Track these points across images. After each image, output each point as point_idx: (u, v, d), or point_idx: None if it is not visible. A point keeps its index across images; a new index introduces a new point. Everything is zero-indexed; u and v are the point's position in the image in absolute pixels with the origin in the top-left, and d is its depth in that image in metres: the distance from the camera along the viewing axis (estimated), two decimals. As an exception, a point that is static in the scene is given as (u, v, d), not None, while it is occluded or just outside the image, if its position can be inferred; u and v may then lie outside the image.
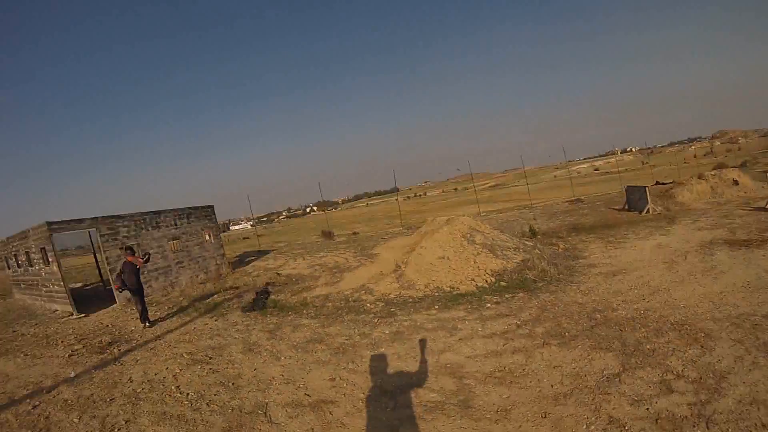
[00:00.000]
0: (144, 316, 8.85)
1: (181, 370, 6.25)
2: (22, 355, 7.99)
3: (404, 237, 14.21)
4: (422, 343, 5.81)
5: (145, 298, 9.11)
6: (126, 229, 12.81)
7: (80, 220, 11.86)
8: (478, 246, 8.96)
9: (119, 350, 7.59)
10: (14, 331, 10.33)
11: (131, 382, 6.03)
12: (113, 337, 8.54)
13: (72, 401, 5.54)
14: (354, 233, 25.95)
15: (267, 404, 4.72)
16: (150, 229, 13.53)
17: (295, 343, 6.59)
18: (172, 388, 5.64)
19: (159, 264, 13.30)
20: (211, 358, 6.64)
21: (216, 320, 8.84)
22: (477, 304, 7.09)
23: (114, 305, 11.95)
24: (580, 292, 7.47)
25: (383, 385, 4.82)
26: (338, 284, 9.57)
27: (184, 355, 6.97)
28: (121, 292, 9.14)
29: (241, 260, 17.94)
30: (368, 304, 7.76)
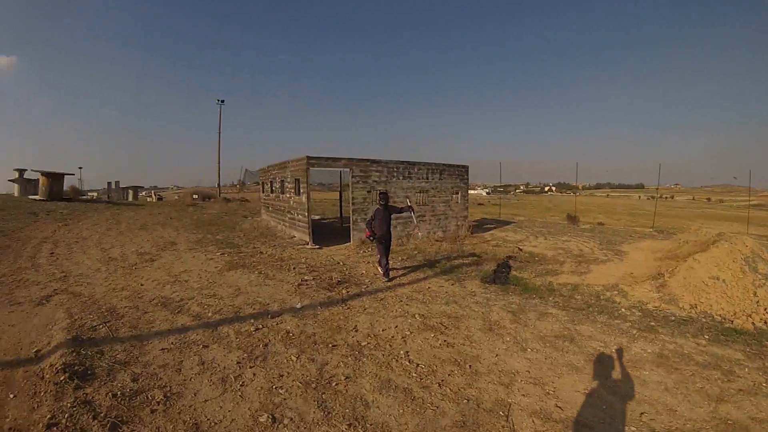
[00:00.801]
0: (386, 270, 8.70)
1: (411, 333, 5.78)
2: (256, 273, 8.81)
3: (655, 240, 14.35)
4: (691, 378, 4.90)
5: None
6: (378, 174, 13.73)
7: (336, 159, 12.95)
8: (760, 276, 7.99)
9: (347, 292, 7.58)
10: (254, 248, 11.88)
11: (356, 332, 5.73)
12: (343, 276, 8.69)
13: (293, 335, 5.47)
14: (600, 223, 25.55)
15: (510, 406, 4.12)
16: (401, 178, 14.34)
17: (542, 334, 6.00)
18: (401, 353, 5.13)
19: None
20: (446, 327, 6.08)
21: (452, 284, 8.60)
22: (757, 348, 5.84)
23: (347, 243, 12.75)
24: None
25: (651, 425, 3.89)
26: (586, 276, 9.38)
27: (416, 316, 6.47)
28: (372, 240, 8.98)
29: (479, 226, 17.81)
30: (623, 309, 7.24)
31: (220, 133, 37.54)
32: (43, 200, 21.88)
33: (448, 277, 9.14)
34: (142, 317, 6.10)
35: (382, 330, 5.80)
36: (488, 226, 18.13)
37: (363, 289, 7.79)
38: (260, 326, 5.68)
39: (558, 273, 9.70)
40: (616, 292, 8.07)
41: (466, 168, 16.67)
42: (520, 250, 12.53)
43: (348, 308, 6.64)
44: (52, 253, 11.02)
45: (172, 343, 5.15)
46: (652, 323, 6.57)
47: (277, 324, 5.81)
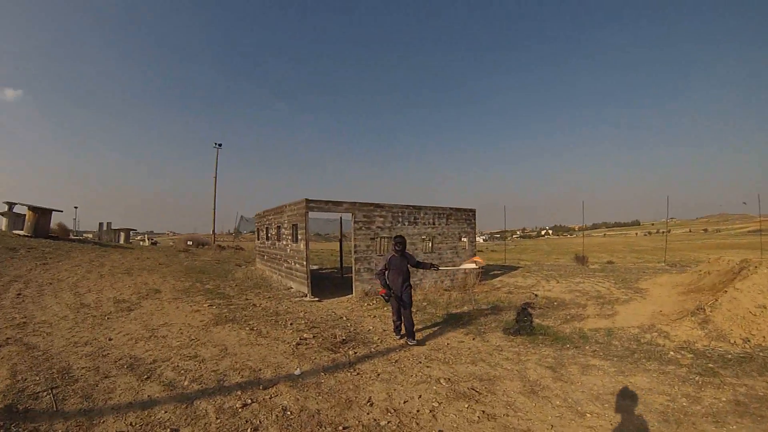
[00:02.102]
0: (410, 331, 7.01)
1: (440, 403, 4.58)
2: (248, 329, 7.56)
3: (671, 275, 13.77)
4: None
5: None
6: (382, 219, 12.64)
7: (337, 203, 11.91)
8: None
9: (354, 353, 6.31)
10: (247, 299, 10.60)
11: (371, 406, 4.48)
12: (347, 334, 7.42)
13: (292, 414, 4.21)
14: (609, 262, 25.02)
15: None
16: (406, 224, 13.28)
17: (594, 392, 4.98)
18: (432, 432, 3.86)
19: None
20: (479, 393, 4.91)
21: (473, 338, 7.45)
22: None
23: (349, 295, 11.55)
24: None
25: None
26: (614, 318, 8.66)
27: (442, 381, 5.24)
28: (387, 300, 7.09)
29: (486, 272, 16.67)
30: (671, 352, 6.45)
31: (216, 177, 36.71)
32: (27, 236, 20.55)
33: (466, 330, 7.96)
34: (101, 383, 4.85)
35: (404, 402, 4.56)
36: (495, 272, 17.08)
37: (372, 349, 6.53)
38: (249, 401, 4.41)
39: (583, 317, 8.79)
40: (656, 334, 7.33)
41: (473, 212, 15.73)
42: (535, 295, 11.61)
43: (358, 374, 5.37)
44: (20, 294, 9.84)
45: (131, 423, 3.87)
46: (710, 365, 5.79)
47: (270, 398, 4.53)
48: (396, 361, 5.96)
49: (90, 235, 40.61)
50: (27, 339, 6.56)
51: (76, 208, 62.53)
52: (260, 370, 5.39)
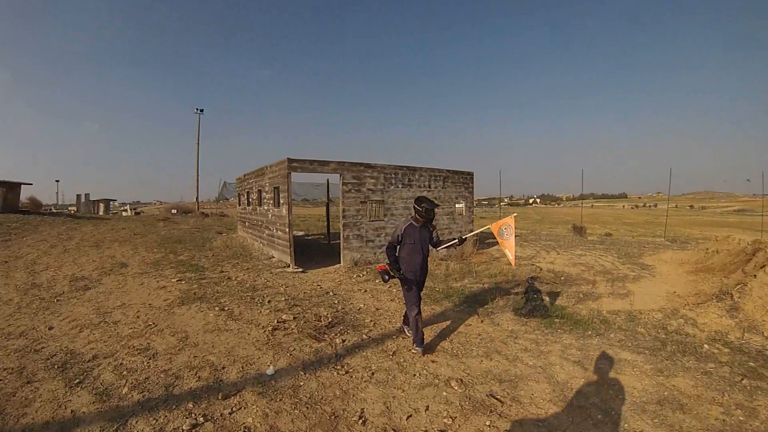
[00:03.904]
0: (418, 333, 4.92)
1: (453, 419, 3.47)
2: (217, 309, 6.41)
3: (674, 251, 13.29)
4: None
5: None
6: (373, 181, 11.37)
7: (324, 162, 10.58)
8: None
9: (342, 341, 5.16)
10: (222, 272, 9.44)
11: (363, 424, 3.40)
12: (335, 314, 6.29)
13: None
14: (607, 234, 24.23)
15: None
16: (400, 186, 12.03)
17: (637, 401, 3.96)
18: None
19: (393, 226, 11.60)
20: (501, 402, 3.80)
21: (481, 321, 6.30)
22: None
23: (337, 265, 10.46)
24: None
25: None
26: (629, 298, 7.78)
27: (452, 384, 4.12)
28: (386, 280, 4.93)
29: (480, 240, 15.41)
30: (705, 345, 5.59)
31: (198, 143, 34.87)
32: None
33: (471, 309, 6.87)
34: (20, 392, 3.77)
35: (407, 417, 3.47)
36: (490, 240, 15.99)
37: (365, 336, 5.38)
38: (201, 418, 3.29)
39: (597, 297, 7.82)
40: (681, 321, 6.53)
41: (471, 175, 14.60)
42: (540, 268, 10.61)
43: (346, 372, 4.25)
44: None
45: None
46: (751, 363, 4.94)
47: (230, 412, 3.42)
48: (394, 353, 4.83)
49: (74, 209, 38.99)
50: (-45, 329, 5.52)
51: (57, 181, 60.08)
52: (224, 368, 4.25)
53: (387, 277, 4.86)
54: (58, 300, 7.11)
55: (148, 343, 4.94)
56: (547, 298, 7.56)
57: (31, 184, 22.40)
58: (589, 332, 5.89)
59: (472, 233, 6.37)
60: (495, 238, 5.63)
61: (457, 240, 5.16)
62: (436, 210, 5.16)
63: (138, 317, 6.02)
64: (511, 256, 5.18)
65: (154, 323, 5.71)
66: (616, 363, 4.80)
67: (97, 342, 5.05)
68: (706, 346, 5.53)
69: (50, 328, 5.63)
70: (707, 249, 11.07)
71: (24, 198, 22.24)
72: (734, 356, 5.16)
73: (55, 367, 4.32)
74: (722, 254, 10.01)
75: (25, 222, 16.79)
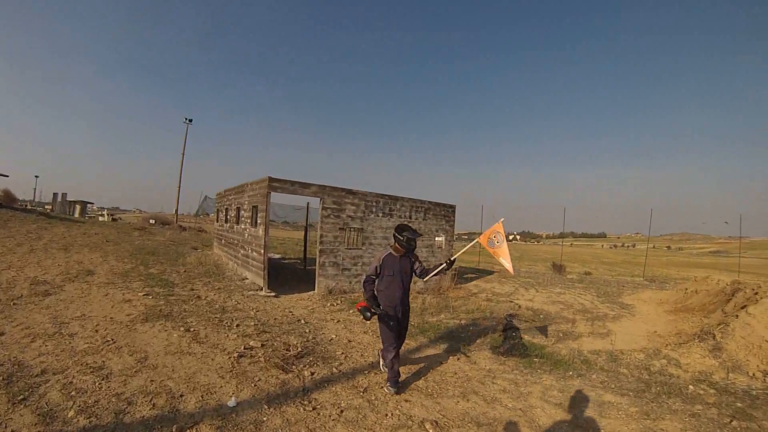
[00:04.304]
0: (393, 373, 4.68)
1: None
2: (182, 329, 6.10)
3: (653, 291, 13.57)
4: None
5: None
6: (354, 208, 11.22)
7: (306, 185, 10.41)
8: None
9: (311, 374, 4.91)
10: (192, 290, 9.09)
11: None
12: (304, 343, 6.03)
13: None
14: (587, 273, 24.27)
15: None
16: (380, 215, 11.90)
17: None
18: None
19: (371, 255, 11.44)
20: None
21: (458, 359, 6.13)
22: None
23: (311, 292, 10.16)
24: None
25: None
26: (610, 338, 7.82)
27: (427, 426, 3.92)
28: (367, 318, 4.42)
29: (459, 275, 15.33)
30: (690, 386, 5.58)
31: (183, 154, 34.37)
32: None
33: (447, 345, 6.68)
34: None
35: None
36: (469, 275, 15.95)
37: (335, 369, 5.14)
38: (151, 454, 3.02)
39: (577, 336, 7.77)
40: (664, 361, 6.50)
41: (453, 208, 14.54)
42: (518, 306, 10.46)
43: (314, 408, 4.00)
44: None
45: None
46: (738, 404, 4.94)
47: (185, 448, 3.15)
48: (365, 389, 4.60)
49: (50, 208, 37.93)
50: None
51: (36, 177, 58.71)
52: (182, 395, 3.97)
53: (369, 314, 4.40)
54: (14, 304, 6.75)
55: (104, 362, 4.63)
56: (526, 337, 7.43)
57: (6, 176, 21.71)
58: (570, 373, 5.77)
59: (460, 251, 6.12)
60: (457, 273, 5.46)
61: (445, 264, 4.85)
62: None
63: (96, 331, 5.69)
64: (507, 265, 5.03)
65: (112, 339, 5.39)
66: (600, 406, 4.68)
67: (49, 355, 4.72)
68: (691, 387, 5.48)
69: (1, 334, 5.28)
70: (686, 289, 11.18)
71: (-3, 190, 21.50)
72: (721, 397, 5.13)
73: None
74: (701, 294, 10.08)
75: (-5, 217, 16.20)
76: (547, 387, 5.17)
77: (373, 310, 4.42)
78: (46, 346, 5.01)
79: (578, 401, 4.78)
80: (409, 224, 11.60)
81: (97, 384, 4.05)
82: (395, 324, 4.69)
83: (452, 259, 4.91)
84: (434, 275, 4.90)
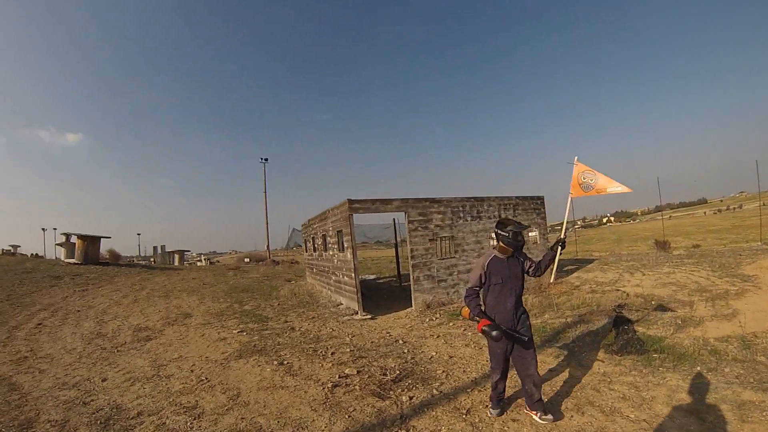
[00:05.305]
0: (496, 395, 4.08)
1: None
2: (275, 363, 5.96)
3: None
4: None
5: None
6: (440, 216, 10.88)
7: (387, 201, 10.29)
8: None
9: (410, 399, 4.49)
10: (286, 322, 9.10)
11: None
12: (402, 365, 5.64)
13: None
14: (695, 246, 22.17)
15: None
16: (469, 219, 11.42)
17: None
18: None
19: (466, 263, 10.94)
20: None
21: (567, 362, 5.51)
22: None
23: (408, 309, 9.86)
24: None
25: None
26: (737, 319, 6.54)
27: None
28: (496, 339, 3.55)
29: (558, 268, 14.13)
30: None
31: (266, 192, 36.27)
32: (77, 263, 20.67)
33: (554, 349, 6.02)
34: None
35: None
36: (568, 267, 14.67)
37: (434, 390, 4.69)
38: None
39: (698, 321, 6.64)
40: None
41: (541, 199, 13.69)
42: (625, 294, 9.34)
43: (414, 441, 3.59)
44: (40, 324, 9.15)
45: None
46: None
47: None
48: (467, 411, 4.10)
49: (153, 260, 41.41)
50: (16, 378, 5.65)
51: (138, 234, 65.04)
52: (272, 432, 3.75)
53: (495, 333, 3.51)
54: (118, 350, 7.06)
55: (197, 401, 4.56)
56: (640, 329, 6.56)
57: (109, 237, 24.06)
58: (698, 368, 4.94)
59: (564, 229, 5.22)
60: (572, 264, 4.79)
61: (558, 246, 4.20)
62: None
63: (192, 371, 5.74)
64: (619, 188, 4.58)
65: (207, 378, 5.38)
66: (740, 408, 3.83)
67: (146, 397, 4.77)
68: None
69: (104, 380, 5.48)
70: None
71: (104, 250, 23.82)
72: None
73: (98, 422, 4.07)
74: None
75: (103, 273, 17.73)
76: (672, 389, 4.40)
77: (501, 327, 3.62)
78: (144, 388, 5.08)
79: (712, 404, 3.99)
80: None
81: (188, 424, 3.96)
82: (510, 339, 3.84)
83: (562, 237, 4.32)
84: (549, 264, 4.14)
